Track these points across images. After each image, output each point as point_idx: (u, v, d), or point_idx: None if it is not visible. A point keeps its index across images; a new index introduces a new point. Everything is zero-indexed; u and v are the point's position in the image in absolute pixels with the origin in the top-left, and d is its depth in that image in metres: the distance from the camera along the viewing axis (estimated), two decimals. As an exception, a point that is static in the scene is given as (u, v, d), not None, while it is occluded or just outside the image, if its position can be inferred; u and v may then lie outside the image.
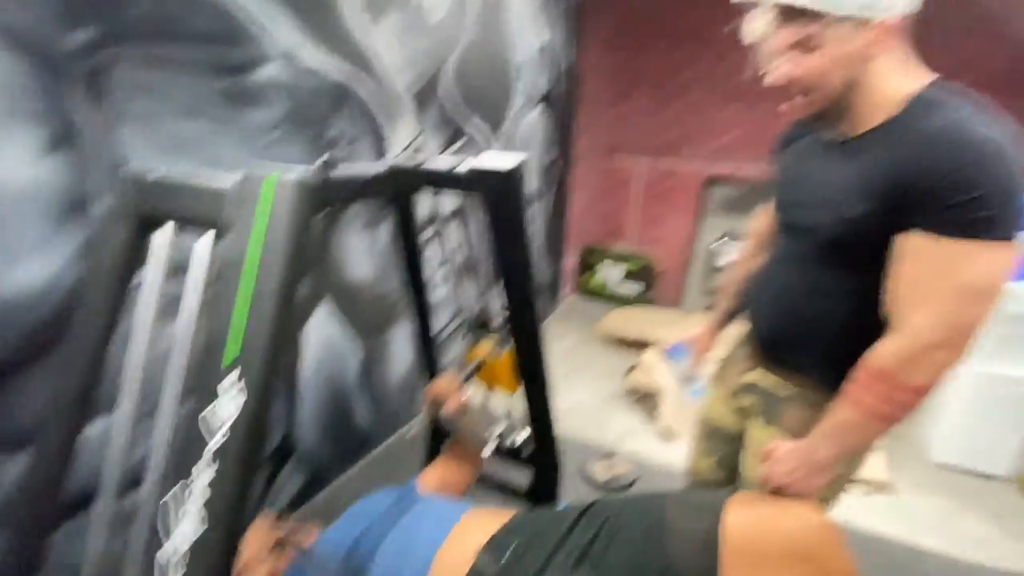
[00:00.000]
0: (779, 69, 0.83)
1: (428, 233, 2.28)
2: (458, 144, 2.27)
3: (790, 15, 0.78)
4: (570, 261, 4.06)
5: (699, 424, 1.31)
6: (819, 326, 0.95)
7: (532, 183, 3.10)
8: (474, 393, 1.32)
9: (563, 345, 3.31)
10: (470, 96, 2.27)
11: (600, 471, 2.08)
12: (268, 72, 1.37)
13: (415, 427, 0.83)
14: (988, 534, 1.88)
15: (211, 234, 0.65)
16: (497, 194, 1.04)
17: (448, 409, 1.17)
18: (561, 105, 3.26)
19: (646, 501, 0.85)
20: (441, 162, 1.10)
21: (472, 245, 1.28)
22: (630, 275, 3.95)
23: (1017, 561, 1.74)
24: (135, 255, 0.70)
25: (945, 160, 0.72)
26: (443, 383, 1.22)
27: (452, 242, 1.35)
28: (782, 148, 1.07)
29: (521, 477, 1.52)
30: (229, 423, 0.53)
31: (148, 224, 0.67)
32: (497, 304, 1.31)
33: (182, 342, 0.59)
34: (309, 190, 0.58)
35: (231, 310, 0.54)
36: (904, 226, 0.78)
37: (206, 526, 0.52)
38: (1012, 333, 2.03)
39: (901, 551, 1.76)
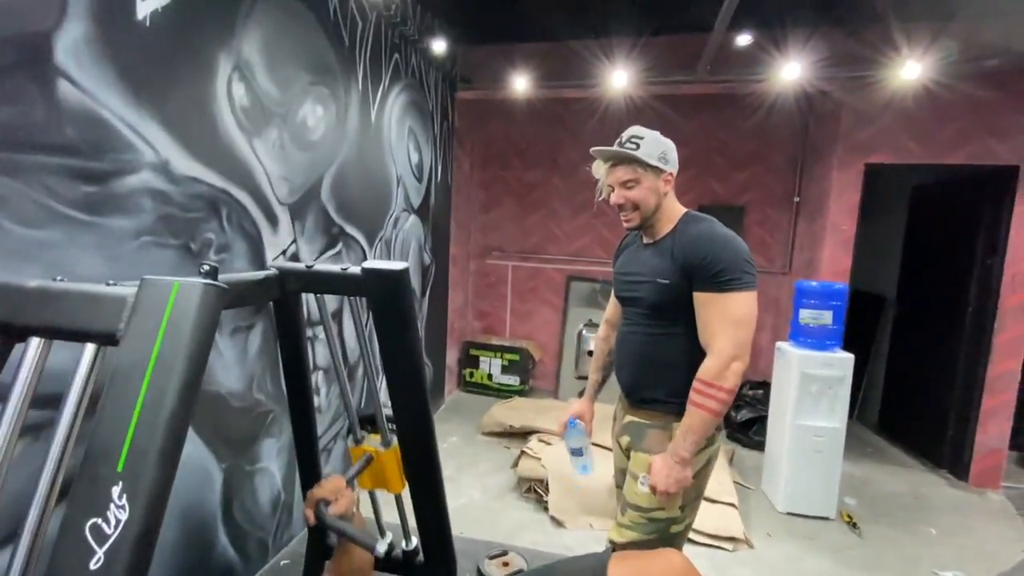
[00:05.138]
0: (617, 195, 1.35)
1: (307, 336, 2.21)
2: (335, 249, 2.33)
3: (621, 162, 1.33)
4: (453, 358, 4.13)
5: (614, 469, 1.62)
6: (661, 368, 1.36)
7: (412, 283, 3.20)
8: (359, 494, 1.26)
9: (450, 442, 3.27)
10: (348, 205, 2.39)
11: (496, 570, 2.02)
12: (137, 180, 1.35)
13: (288, 556, 0.73)
14: (828, 569, 2.17)
15: (91, 347, 0.63)
16: (386, 295, 1.12)
17: (337, 509, 1.12)
18: (436, 213, 3.51)
19: (539, 572, 0.91)
20: (329, 266, 1.16)
21: (362, 343, 1.31)
22: (510, 367, 4.12)
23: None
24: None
25: (705, 249, 1.25)
26: (329, 483, 1.16)
27: (335, 343, 1.37)
28: (618, 252, 1.57)
29: (416, 587, 1.44)
30: (110, 542, 0.51)
31: (12, 337, 0.63)
32: (383, 402, 1.32)
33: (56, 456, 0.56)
34: (215, 295, 0.61)
35: (129, 419, 0.53)
36: (694, 288, 1.27)
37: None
38: (814, 392, 2.54)
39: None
